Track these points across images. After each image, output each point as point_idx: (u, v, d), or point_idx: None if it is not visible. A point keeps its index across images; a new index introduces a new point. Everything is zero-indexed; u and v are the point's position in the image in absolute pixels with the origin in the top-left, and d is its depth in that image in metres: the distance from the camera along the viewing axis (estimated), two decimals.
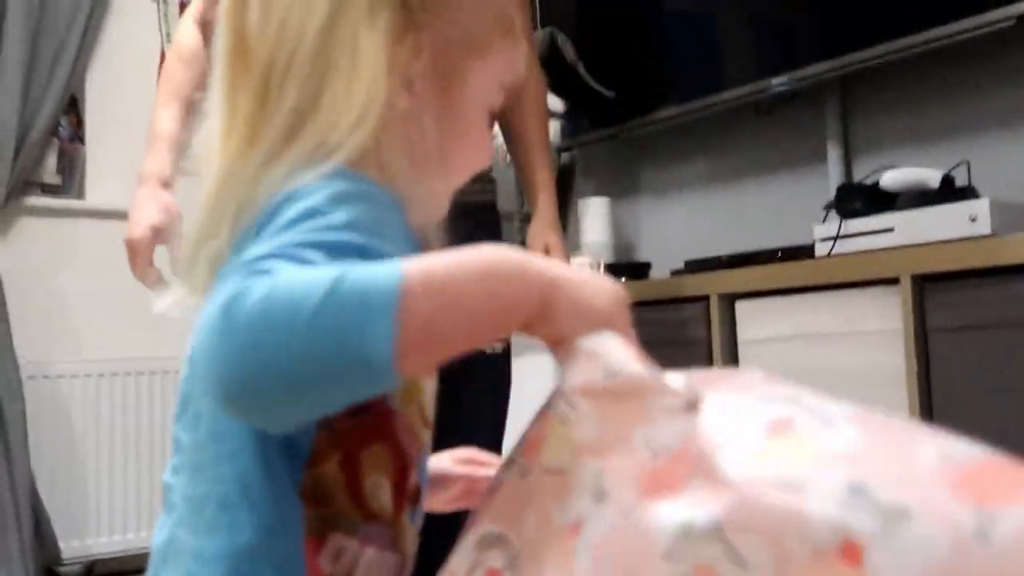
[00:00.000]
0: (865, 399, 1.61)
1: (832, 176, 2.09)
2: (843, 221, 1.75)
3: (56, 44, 2.73)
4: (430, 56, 0.67)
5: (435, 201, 0.71)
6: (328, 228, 0.55)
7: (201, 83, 1.58)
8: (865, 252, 1.68)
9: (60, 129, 2.72)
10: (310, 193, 0.57)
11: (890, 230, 1.68)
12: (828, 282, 1.69)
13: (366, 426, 0.62)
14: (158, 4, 3.03)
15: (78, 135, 2.81)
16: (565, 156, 2.75)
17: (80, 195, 2.72)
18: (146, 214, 1.44)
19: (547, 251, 1.62)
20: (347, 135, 0.61)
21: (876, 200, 1.76)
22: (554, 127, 2.52)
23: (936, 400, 1.53)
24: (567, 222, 2.72)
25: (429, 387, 0.69)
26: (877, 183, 1.78)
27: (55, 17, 2.73)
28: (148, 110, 3.01)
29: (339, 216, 0.56)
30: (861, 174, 2.01)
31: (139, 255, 1.43)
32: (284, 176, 0.60)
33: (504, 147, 1.79)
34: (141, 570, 0.66)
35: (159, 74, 2.95)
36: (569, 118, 2.56)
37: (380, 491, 0.63)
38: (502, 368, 1.58)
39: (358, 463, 0.62)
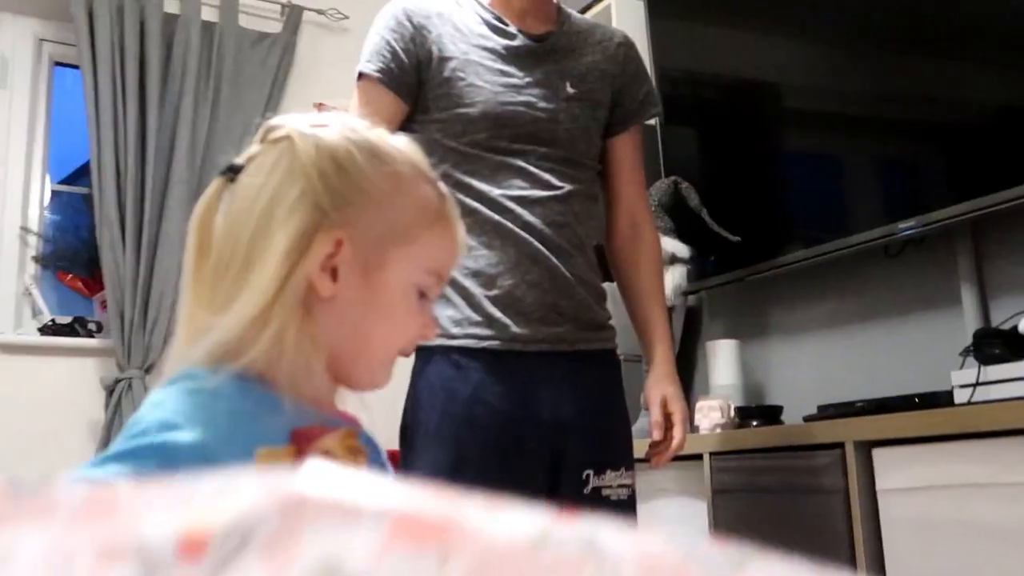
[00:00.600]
0: (1013, 555, 1.55)
1: (968, 319, 2.06)
2: (982, 367, 1.72)
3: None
4: (351, 249, 0.79)
5: (367, 373, 0.84)
6: (133, 436, 0.69)
7: None
8: (1007, 400, 1.64)
9: None
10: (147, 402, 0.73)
11: None
12: (970, 431, 1.65)
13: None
14: None
15: None
16: (692, 299, 2.79)
17: None
18: None
19: (664, 403, 1.63)
20: (234, 333, 0.76)
21: (1015, 345, 1.73)
22: (680, 271, 2.56)
23: None
24: (695, 365, 2.73)
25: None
26: (1016, 328, 1.75)
27: (223, 146, 2.98)
28: None
29: (151, 418, 0.70)
30: (998, 317, 1.97)
31: None
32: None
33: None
34: None
35: None
36: (695, 263, 2.60)
37: None
38: (627, 514, 1.58)
39: None
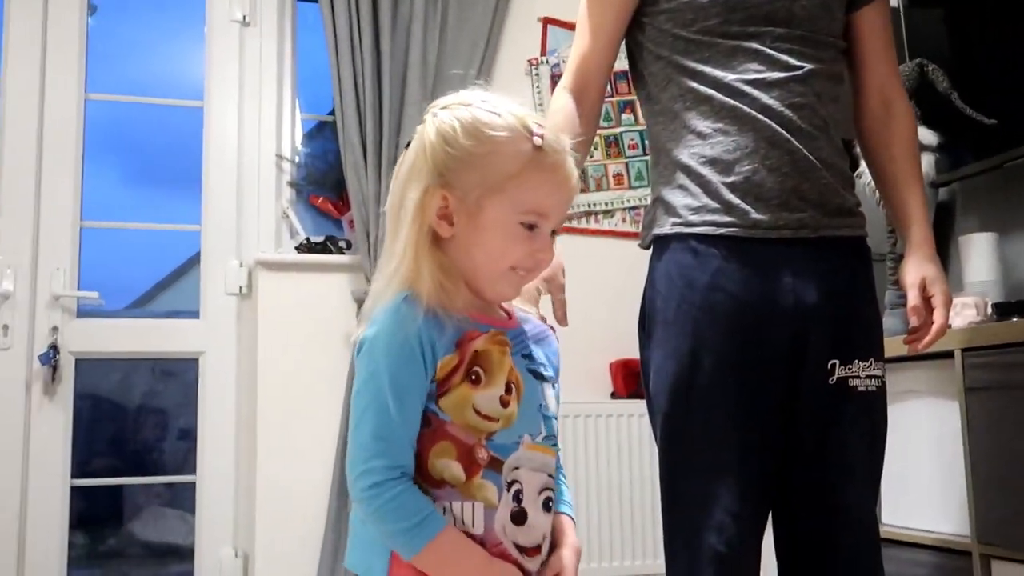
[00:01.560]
0: None
1: None
2: None
3: None
4: (455, 201, 1.11)
5: (489, 287, 1.15)
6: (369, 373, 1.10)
7: (578, 146, 1.70)
8: None
9: None
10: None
11: None
12: None
13: (429, 435, 1.09)
14: (532, 78, 3.30)
15: None
16: (943, 192, 2.59)
17: None
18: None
19: (923, 286, 1.53)
20: (397, 268, 1.11)
21: None
22: (929, 161, 2.38)
23: None
24: (947, 262, 2.55)
25: (480, 398, 1.10)
26: None
27: (452, 65, 3.07)
28: None
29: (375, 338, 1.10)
30: None
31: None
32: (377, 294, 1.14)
33: (872, 184, 1.73)
34: None
35: None
36: (945, 151, 2.41)
37: (446, 469, 1.09)
38: (879, 410, 1.52)
39: (425, 457, 1.09)
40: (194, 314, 3.09)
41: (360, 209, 2.97)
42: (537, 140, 1.11)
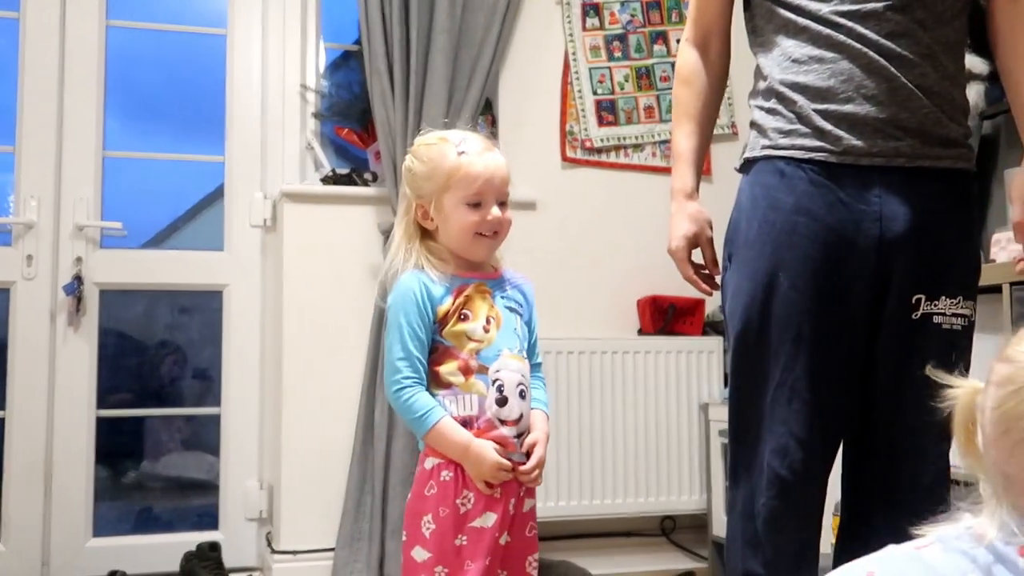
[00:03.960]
0: None
1: None
2: None
3: (474, 53, 3.00)
4: (425, 206, 1.67)
5: (465, 251, 1.69)
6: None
7: (707, 99, 1.71)
8: None
9: (479, 129, 2.97)
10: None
11: None
12: None
13: (439, 355, 1.65)
14: (562, 8, 3.22)
15: (493, 134, 3.05)
16: (987, 124, 2.52)
17: None
18: (678, 226, 1.67)
19: None
20: (396, 254, 1.71)
21: None
22: (977, 91, 2.31)
23: None
24: (991, 196, 2.49)
25: (470, 328, 1.66)
26: None
27: (473, 29, 3.01)
28: (555, 105, 3.21)
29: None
30: None
31: (681, 262, 1.67)
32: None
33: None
34: None
35: (564, 71, 3.17)
36: (995, 81, 2.33)
37: (451, 375, 1.64)
38: (963, 348, 1.47)
39: (436, 369, 1.65)
40: (219, 247, 3.07)
41: (387, 140, 2.91)
42: (460, 150, 1.67)
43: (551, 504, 2.88)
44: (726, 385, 3.07)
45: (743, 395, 1.51)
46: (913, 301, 1.44)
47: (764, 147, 1.51)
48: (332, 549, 2.78)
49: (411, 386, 1.62)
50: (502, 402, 1.66)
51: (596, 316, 3.14)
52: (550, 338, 2.87)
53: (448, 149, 1.68)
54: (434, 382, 1.66)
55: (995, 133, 2.54)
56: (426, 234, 1.72)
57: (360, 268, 2.91)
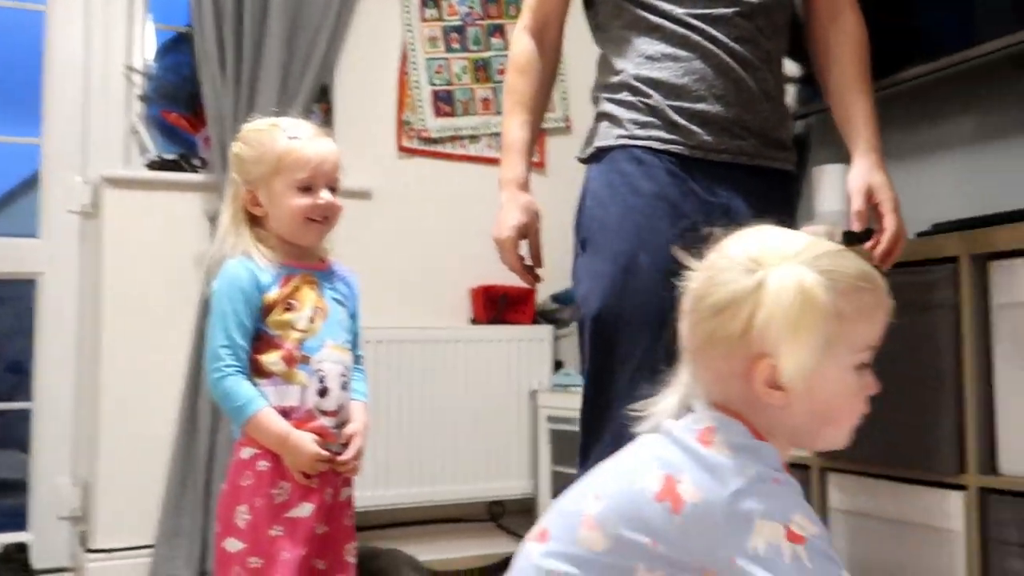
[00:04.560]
0: None
1: None
2: None
3: (310, 39, 2.95)
4: (256, 188, 1.71)
5: (297, 240, 1.73)
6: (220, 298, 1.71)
7: (542, 89, 1.71)
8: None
9: (312, 116, 2.92)
10: None
11: None
12: None
13: (262, 344, 1.65)
14: None
15: (328, 122, 3.01)
16: (799, 124, 2.65)
17: None
18: (509, 216, 1.67)
19: (869, 192, 1.55)
20: (228, 235, 1.73)
21: None
22: (790, 93, 2.42)
23: None
24: (799, 192, 2.62)
25: (295, 319, 1.67)
26: None
27: (309, 15, 2.95)
28: (392, 94, 3.19)
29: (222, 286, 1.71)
30: None
31: (508, 252, 1.68)
32: None
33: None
34: None
35: (402, 61, 3.15)
36: (805, 83, 2.46)
37: (274, 365, 1.64)
38: None
39: (259, 358, 1.64)
40: (33, 233, 2.91)
41: (217, 126, 2.82)
42: (290, 135, 1.67)
43: (380, 492, 2.86)
44: (555, 372, 3.14)
45: (601, 375, 1.52)
46: None
47: (620, 136, 1.55)
48: (151, 546, 2.67)
49: (232, 374, 1.61)
50: (323, 393, 1.66)
51: (430, 305, 3.14)
52: (384, 327, 2.87)
53: (278, 134, 1.68)
54: (256, 371, 1.65)
55: (806, 132, 2.69)
56: (254, 221, 1.70)
57: (186, 257, 2.81)
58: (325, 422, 1.66)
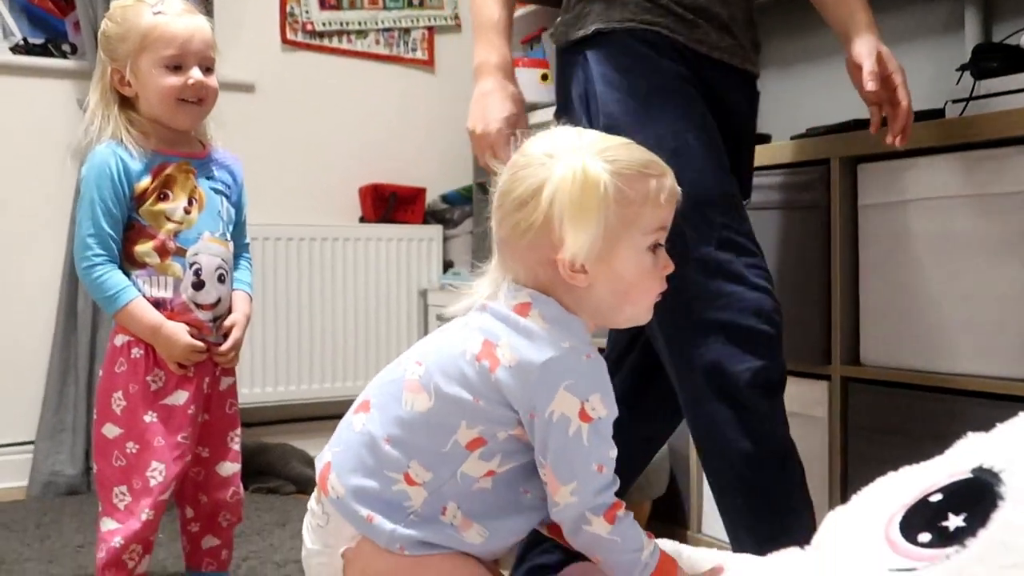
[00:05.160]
0: (990, 264, 1.56)
1: (969, 42, 1.99)
2: (977, 82, 1.68)
3: None
4: (124, 68, 1.63)
5: (171, 123, 1.66)
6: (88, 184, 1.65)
7: None
8: (1000, 113, 1.60)
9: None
10: None
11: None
12: (957, 143, 1.63)
13: (134, 234, 1.61)
14: None
15: (208, 11, 2.88)
16: None
17: None
18: (499, 106, 1.48)
19: (880, 59, 1.49)
20: (96, 117, 1.66)
21: (1015, 60, 1.68)
22: None
23: None
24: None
25: (169, 208, 1.61)
26: (1018, 45, 1.69)
27: None
28: None
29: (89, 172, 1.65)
30: (1001, 37, 1.90)
31: (497, 148, 1.46)
32: None
33: None
34: None
35: None
36: None
37: (147, 255, 1.60)
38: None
39: (131, 249, 1.60)
40: None
41: (87, 8, 2.68)
42: (156, 10, 1.60)
43: (269, 389, 2.88)
44: (444, 272, 3.17)
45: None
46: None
47: (626, 19, 1.44)
48: (31, 442, 2.63)
49: (101, 264, 1.58)
50: (198, 286, 1.64)
51: (317, 203, 3.11)
52: (270, 224, 2.84)
53: (144, 9, 1.61)
54: (128, 260, 1.62)
55: None
56: (127, 104, 1.64)
57: (57, 146, 2.68)
58: (201, 316, 1.65)
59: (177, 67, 1.60)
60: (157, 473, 1.58)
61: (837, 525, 1.01)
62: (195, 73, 1.61)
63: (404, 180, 3.17)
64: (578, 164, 0.99)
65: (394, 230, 3.11)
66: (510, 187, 1.03)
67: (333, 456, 1.06)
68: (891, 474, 1.05)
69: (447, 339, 1.05)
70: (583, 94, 1.48)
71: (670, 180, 1.06)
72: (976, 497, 0.89)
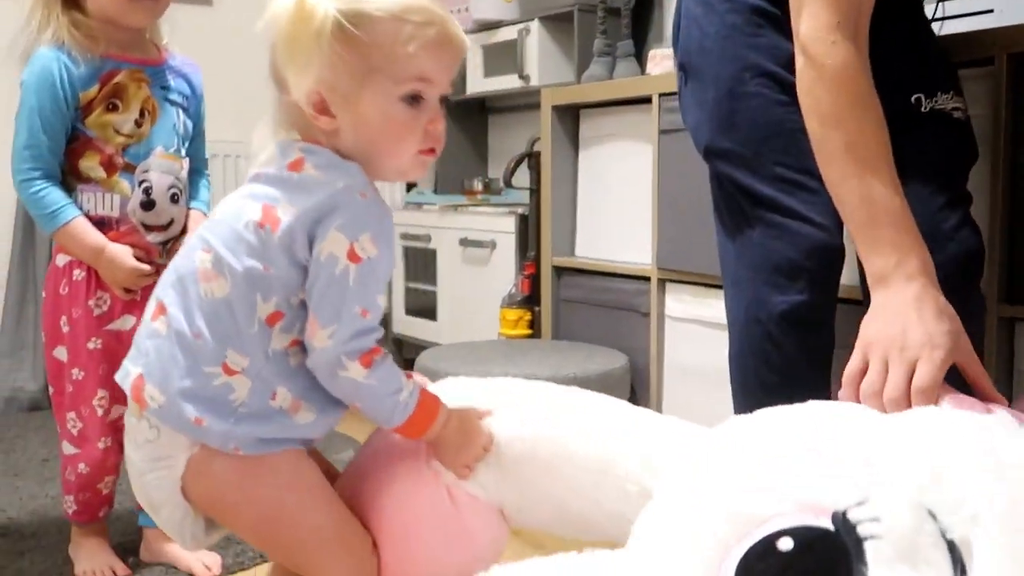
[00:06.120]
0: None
1: None
2: (940, 3, 1.69)
3: None
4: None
5: (123, 20, 1.51)
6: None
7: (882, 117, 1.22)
8: (962, 34, 1.62)
9: None
10: None
11: (989, 11, 1.62)
12: None
13: (79, 147, 1.49)
14: None
15: None
16: None
17: None
18: (944, 331, 1.22)
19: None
20: (36, 15, 1.52)
21: None
22: None
23: None
24: (651, 16, 2.66)
25: (118, 120, 1.49)
26: None
27: None
28: None
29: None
30: None
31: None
32: None
33: None
34: None
35: None
36: None
37: (92, 170, 1.49)
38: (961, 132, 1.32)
39: (75, 162, 1.49)
40: None
41: None
42: None
43: None
44: (408, 191, 3.16)
45: (721, 211, 1.36)
46: None
47: None
48: None
49: (37, 179, 1.46)
50: (148, 206, 1.53)
51: (243, 119, 3.04)
52: (227, 141, 2.80)
53: None
54: (72, 174, 1.50)
55: None
56: (72, 2, 1.49)
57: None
58: (150, 238, 1.54)
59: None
60: (105, 401, 1.52)
61: (657, 525, 0.82)
62: None
63: None
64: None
65: None
66: (270, 37, 0.98)
67: (144, 367, 1.00)
68: (716, 439, 0.88)
69: (226, 217, 0.99)
70: (673, 30, 1.44)
71: (435, 29, 0.96)
72: (836, 563, 0.68)
